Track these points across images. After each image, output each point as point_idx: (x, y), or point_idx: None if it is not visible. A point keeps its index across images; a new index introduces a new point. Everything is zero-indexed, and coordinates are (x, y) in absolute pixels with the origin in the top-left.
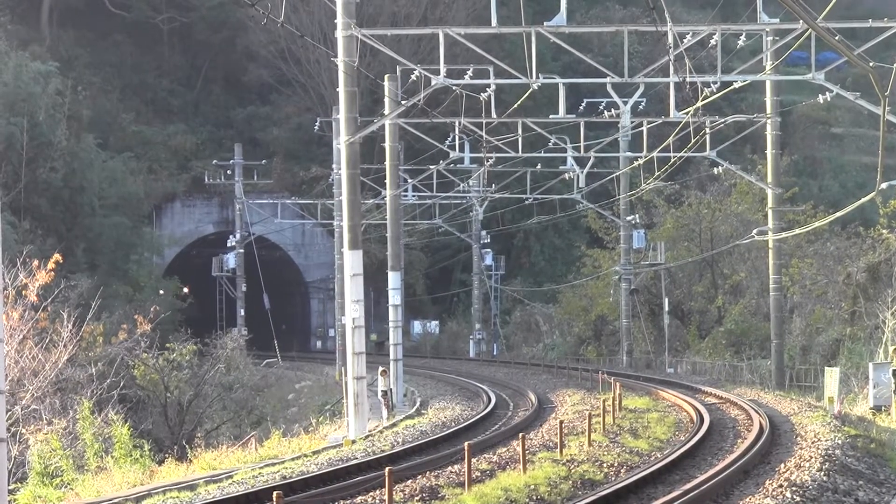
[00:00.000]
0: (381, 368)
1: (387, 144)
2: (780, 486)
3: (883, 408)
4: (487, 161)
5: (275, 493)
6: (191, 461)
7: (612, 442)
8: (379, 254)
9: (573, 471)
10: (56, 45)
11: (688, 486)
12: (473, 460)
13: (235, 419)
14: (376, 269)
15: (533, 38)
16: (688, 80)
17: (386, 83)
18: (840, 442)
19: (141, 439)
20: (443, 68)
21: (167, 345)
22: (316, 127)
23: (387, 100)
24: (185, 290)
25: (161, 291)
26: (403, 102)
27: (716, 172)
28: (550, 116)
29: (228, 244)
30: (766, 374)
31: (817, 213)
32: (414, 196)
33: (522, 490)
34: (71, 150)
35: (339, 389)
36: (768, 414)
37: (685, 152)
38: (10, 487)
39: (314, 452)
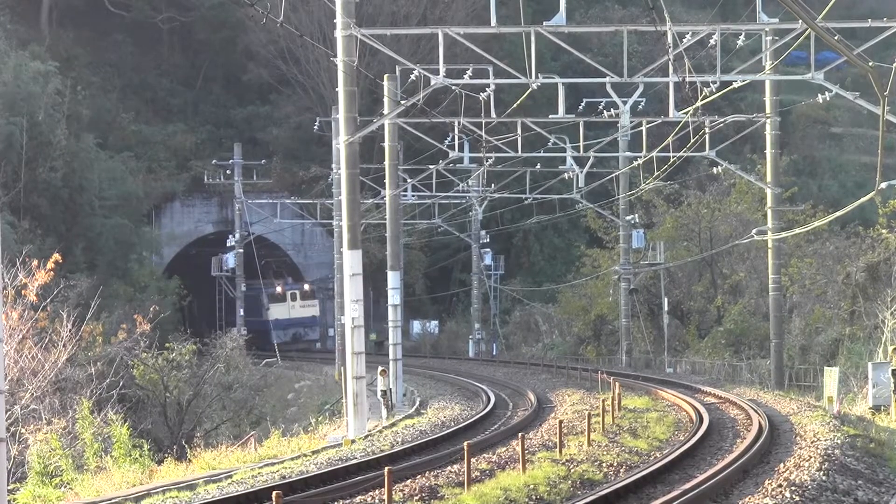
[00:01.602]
0: (380, 368)
1: (386, 144)
2: (780, 485)
3: (882, 407)
4: (487, 161)
5: (274, 493)
6: (190, 461)
7: (611, 442)
8: (378, 253)
9: (572, 470)
10: (56, 45)
11: (687, 485)
12: (473, 460)
13: (235, 419)
14: (376, 268)
15: (532, 38)
16: (687, 79)
17: (385, 83)
18: (839, 442)
19: (140, 439)
20: (442, 68)
21: (167, 344)
22: (315, 127)
23: (386, 99)
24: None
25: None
26: (403, 102)
27: (715, 172)
28: (550, 116)
29: (228, 244)
30: (766, 373)
31: (816, 212)
32: (413, 196)
33: (522, 490)
34: (70, 150)
35: (338, 389)
36: (767, 414)
37: (684, 152)
38: (9, 487)
39: (314, 452)
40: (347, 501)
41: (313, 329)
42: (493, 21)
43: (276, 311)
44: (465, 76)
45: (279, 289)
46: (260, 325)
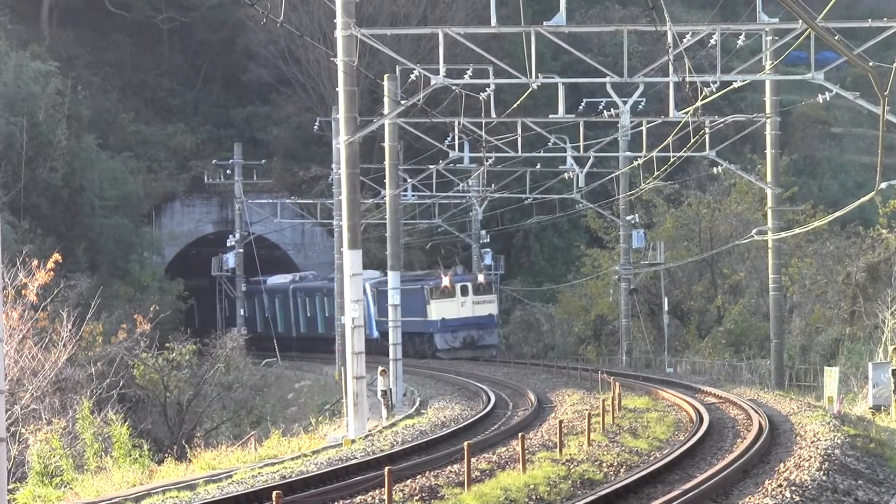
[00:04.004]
0: (380, 368)
1: (386, 144)
2: (780, 485)
3: (882, 407)
4: (487, 161)
5: (274, 493)
6: (190, 461)
7: (611, 441)
8: (378, 253)
9: (573, 470)
10: (56, 45)
11: (687, 485)
12: (473, 460)
13: (235, 419)
14: (376, 268)
15: (532, 38)
16: (687, 79)
17: (385, 83)
18: (839, 441)
19: (140, 439)
20: (442, 68)
21: (167, 344)
22: (315, 126)
23: (386, 99)
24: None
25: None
26: (403, 102)
27: (715, 172)
28: (550, 116)
29: (228, 244)
30: (766, 373)
31: (817, 212)
32: (413, 196)
33: (522, 490)
34: (71, 150)
35: (338, 389)
36: (768, 413)
37: (685, 152)
38: (9, 487)
39: (314, 452)
40: (347, 501)
41: (490, 332)
42: (493, 21)
43: (442, 310)
44: (465, 76)
45: (446, 281)
46: (420, 327)
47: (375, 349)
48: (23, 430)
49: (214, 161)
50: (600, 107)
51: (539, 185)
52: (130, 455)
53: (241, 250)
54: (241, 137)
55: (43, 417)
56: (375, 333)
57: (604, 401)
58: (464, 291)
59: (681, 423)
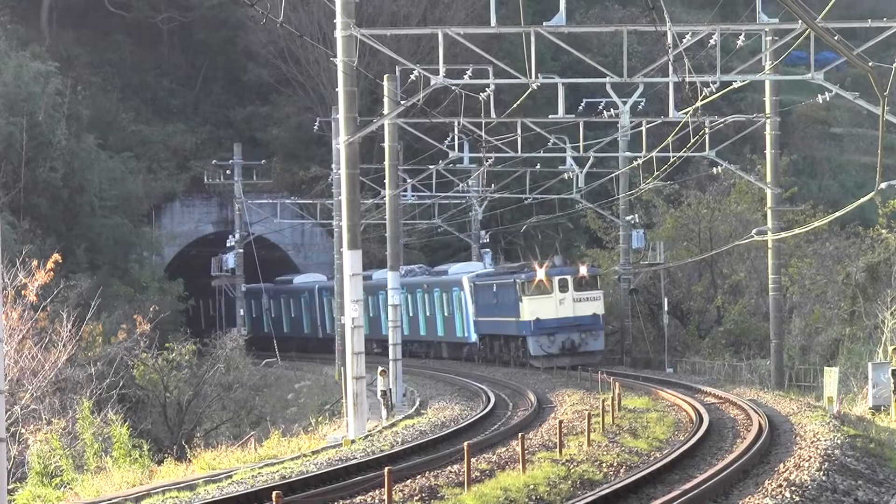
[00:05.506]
0: (380, 368)
1: (386, 144)
2: (780, 485)
3: (882, 408)
4: (487, 161)
5: (274, 493)
6: (190, 461)
7: (611, 442)
8: (378, 253)
9: (572, 471)
10: (56, 45)
11: (687, 485)
12: (473, 460)
13: (235, 419)
14: (375, 268)
15: (532, 38)
16: (687, 79)
17: (385, 83)
18: (839, 442)
19: (140, 439)
20: (442, 68)
21: (167, 345)
22: (315, 127)
23: (386, 100)
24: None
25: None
26: (403, 102)
27: (715, 172)
28: (550, 116)
29: (228, 244)
30: (766, 373)
31: (816, 212)
32: (413, 196)
33: (522, 490)
34: (71, 150)
35: (338, 389)
36: (767, 414)
37: (684, 152)
38: (9, 487)
39: (313, 452)
40: (347, 501)
41: (595, 335)
42: (493, 21)
43: (537, 309)
44: (465, 76)
45: (541, 274)
46: (512, 329)
47: (475, 355)
48: (23, 430)
49: (214, 161)
50: (600, 107)
51: (539, 185)
52: (130, 455)
53: (241, 250)
54: (240, 137)
55: (43, 417)
56: (474, 337)
57: (603, 401)
58: (563, 287)
59: (681, 423)
